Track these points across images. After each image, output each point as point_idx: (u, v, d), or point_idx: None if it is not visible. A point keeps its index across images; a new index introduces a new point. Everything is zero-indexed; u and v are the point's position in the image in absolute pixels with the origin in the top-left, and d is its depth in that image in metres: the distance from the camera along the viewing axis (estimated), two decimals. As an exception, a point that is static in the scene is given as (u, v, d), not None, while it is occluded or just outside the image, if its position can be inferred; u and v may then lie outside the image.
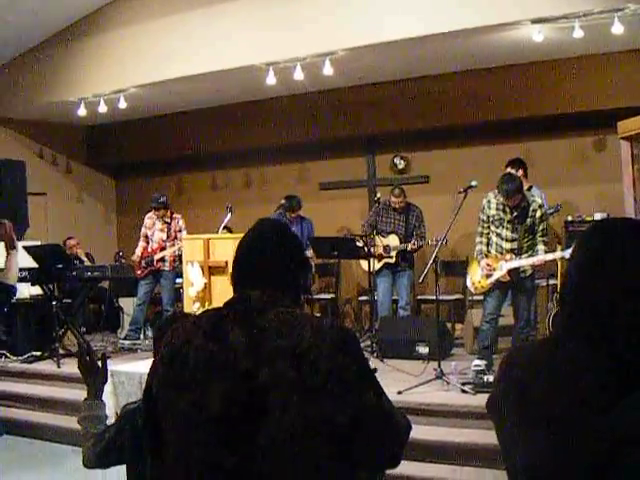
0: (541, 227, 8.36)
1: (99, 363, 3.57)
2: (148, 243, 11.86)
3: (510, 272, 8.34)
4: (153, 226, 11.84)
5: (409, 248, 10.67)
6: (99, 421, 3.46)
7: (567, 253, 8.02)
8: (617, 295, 1.93)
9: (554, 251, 8.47)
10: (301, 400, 2.20)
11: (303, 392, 2.20)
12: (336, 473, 2.27)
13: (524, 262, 8.31)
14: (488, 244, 8.64)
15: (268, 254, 2.58)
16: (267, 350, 2.27)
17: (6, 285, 6.17)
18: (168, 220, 11.74)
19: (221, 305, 2.52)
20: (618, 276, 1.95)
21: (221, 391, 2.25)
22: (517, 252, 8.35)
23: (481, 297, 9.10)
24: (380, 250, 10.65)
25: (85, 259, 13.37)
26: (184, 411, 2.30)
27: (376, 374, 2.49)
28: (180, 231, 11.60)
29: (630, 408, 1.75)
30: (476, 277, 8.63)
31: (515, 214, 8.37)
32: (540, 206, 8.40)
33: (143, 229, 12.02)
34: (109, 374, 3.67)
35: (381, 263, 10.58)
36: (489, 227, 8.62)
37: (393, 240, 10.77)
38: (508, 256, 8.37)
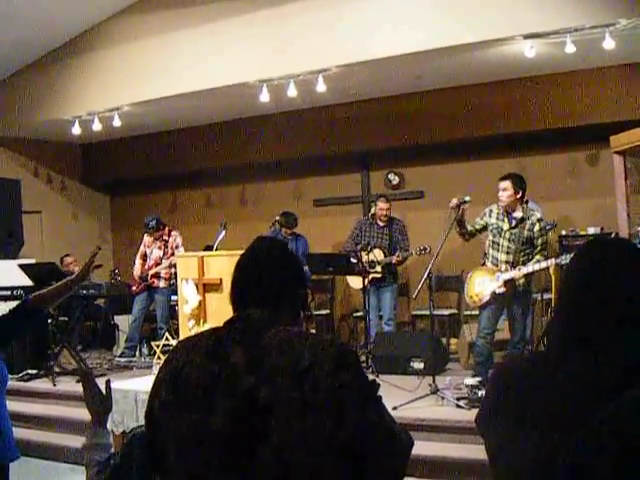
0: (540, 241, 8.35)
1: (103, 389, 3.56)
2: (145, 261, 11.91)
3: (506, 283, 8.34)
4: (152, 244, 11.92)
5: (394, 261, 10.70)
6: (103, 450, 3.44)
7: (561, 259, 8.03)
8: (607, 314, 1.96)
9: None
10: (303, 418, 2.19)
11: (305, 410, 2.19)
12: None
13: (520, 272, 8.29)
14: (485, 255, 8.66)
15: (267, 272, 2.58)
16: (268, 369, 2.26)
17: None
18: (166, 237, 11.80)
19: (221, 324, 2.52)
20: (608, 295, 1.98)
21: (223, 411, 2.23)
22: (512, 265, 8.34)
23: (476, 312, 9.10)
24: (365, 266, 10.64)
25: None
26: (186, 432, 2.28)
27: (379, 389, 2.49)
28: (177, 247, 11.65)
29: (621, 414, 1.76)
30: (473, 290, 8.61)
31: (514, 224, 8.39)
32: (539, 220, 8.40)
33: (142, 247, 12.09)
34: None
35: (367, 279, 10.55)
36: (482, 229, 8.64)
37: (378, 254, 10.78)
38: (503, 267, 8.37)
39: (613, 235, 9.17)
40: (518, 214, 8.42)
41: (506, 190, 8.38)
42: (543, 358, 2.11)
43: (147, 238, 12.04)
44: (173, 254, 11.53)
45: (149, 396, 2.50)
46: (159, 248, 11.83)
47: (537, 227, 8.35)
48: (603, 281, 2.01)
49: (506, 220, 8.46)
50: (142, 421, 2.84)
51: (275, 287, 2.56)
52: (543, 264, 8.21)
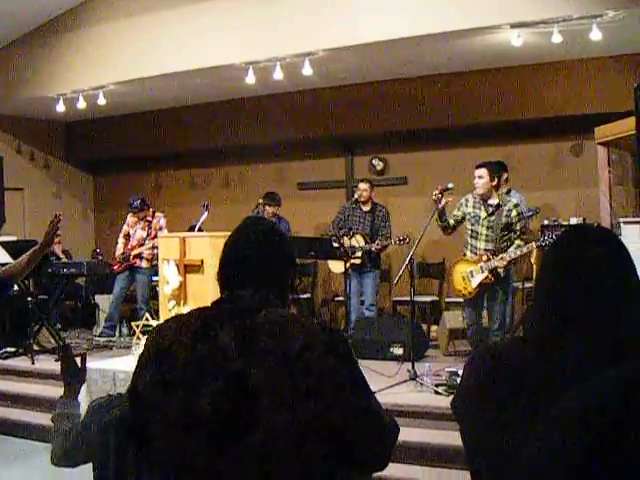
0: (518, 226, 8.35)
1: (79, 363, 3.57)
2: (128, 241, 11.88)
3: (491, 272, 8.35)
4: (135, 224, 11.89)
5: (373, 249, 10.71)
6: (71, 419, 3.45)
7: (541, 242, 8.07)
8: (587, 298, 1.97)
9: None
10: (292, 401, 2.18)
11: (294, 393, 2.19)
12: (327, 474, 2.26)
13: (503, 261, 8.27)
14: (465, 246, 8.67)
15: (256, 253, 2.55)
16: (258, 351, 2.24)
17: None
18: (150, 219, 11.78)
19: (201, 305, 2.50)
20: (587, 280, 2.00)
21: (211, 392, 2.21)
22: (494, 253, 8.34)
23: (458, 299, 9.12)
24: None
25: (62, 256, 13.31)
26: (173, 411, 2.25)
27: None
28: (161, 229, 11.63)
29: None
30: (460, 282, 8.59)
31: (491, 211, 8.40)
32: (515, 205, 8.41)
33: (125, 227, 12.07)
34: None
35: (348, 264, 10.56)
36: (461, 220, 8.65)
37: (358, 240, 10.79)
38: (484, 257, 8.38)
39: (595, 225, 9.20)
40: (494, 201, 8.44)
41: (482, 177, 8.40)
42: (521, 342, 2.11)
43: (130, 218, 12.01)
44: (156, 235, 11.50)
45: (133, 374, 2.47)
46: (142, 229, 11.81)
47: (514, 212, 8.35)
48: (581, 266, 2.03)
49: (483, 208, 8.48)
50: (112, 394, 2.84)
51: (264, 268, 2.53)
52: (524, 249, 8.23)
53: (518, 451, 1.85)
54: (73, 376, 3.56)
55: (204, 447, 2.20)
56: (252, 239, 2.60)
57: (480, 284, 8.40)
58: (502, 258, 8.26)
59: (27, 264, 4.72)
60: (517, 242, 8.31)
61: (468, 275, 8.47)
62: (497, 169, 8.53)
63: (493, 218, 8.40)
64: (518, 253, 8.26)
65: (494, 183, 8.42)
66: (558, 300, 2.03)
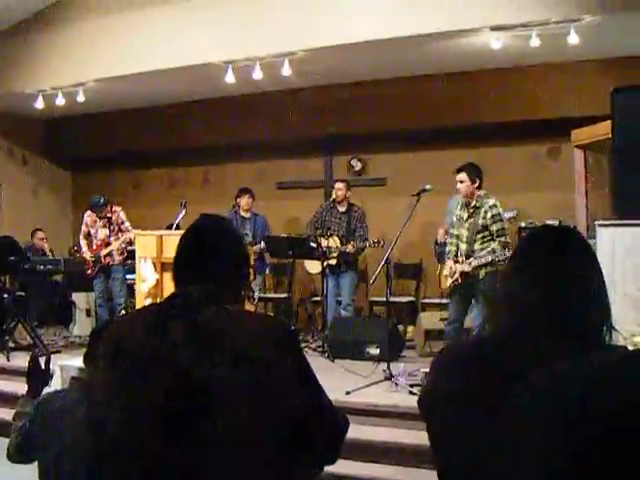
0: (495, 227, 8.34)
1: (43, 366, 3.60)
2: (91, 241, 11.76)
3: (462, 275, 8.41)
4: (95, 223, 11.71)
5: (348, 250, 10.73)
6: (26, 418, 3.49)
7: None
8: (548, 296, 2.01)
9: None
10: (241, 396, 2.21)
11: (243, 388, 2.21)
12: (276, 468, 2.28)
13: (469, 266, 8.35)
14: (440, 245, 8.75)
15: (208, 250, 2.58)
16: (207, 346, 2.27)
17: None
18: (109, 215, 11.63)
19: (162, 301, 2.53)
20: (547, 278, 2.03)
21: (162, 386, 2.24)
22: (471, 255, 8.41)
23: (434, 300, 9.17)
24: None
25: (49, 253, 13.31)
26: (126, 406, 2.28)
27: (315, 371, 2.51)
28: (122, 223, 11.51)
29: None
30: (444, 280, 8.76)
31: (471, 212, 8.45)
32: (491, 206, 8.41)
33: (84, 227, 11.88)
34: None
35: (325, 264, 10.57)
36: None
37: (335, 242, 10.81)
38: (461, 259, 8.45)
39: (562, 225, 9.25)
40: (473, 202, 8.50)
41: (463, 182, 8.45)
42: (485, 340, 2.15)
43: (88, 217, 11.76)
44: (120, 230, 11.44)
45: (85, 369, 2.50)
46: (104, 226, 11.60)
47: (490, 214, 8.37)
48: (542, 265, 2.06)
49: (465, 209, 8.54)
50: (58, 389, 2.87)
51: (215, 264, 2.56)
52: (497, 255, 8.23)
53: (483, 448, 1.88)
54: (37, 377, 3.59)
55: (157, 440, 2.23)
56: (203, 236, 2.64)
57: (453, 284, 8.51)
58: (470, 263, 8.33)
59: None
60: (493, 245, 8.30)
61: (446, 274, 8.61)
62: (476, 170, 8.57)
63: (472, 220, 8.45)
64: (489, 258, 8.25)
65: (475, 185, 8.47)
66: (519, 298, 2.06)
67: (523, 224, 10.88)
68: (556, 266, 2.05)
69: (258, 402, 2.22)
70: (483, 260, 8.27)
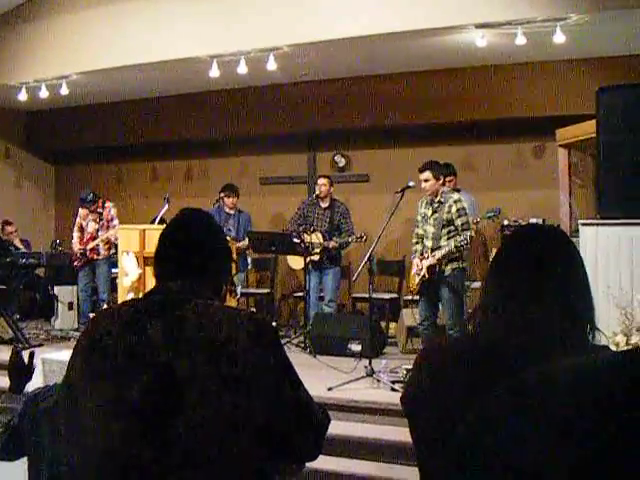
0: (460, 222, 8.41)
1: (26, 360, 3.57)
2: (83, 234, 11.81)
3: (429, 270, 8.46)
4: (87, 217, 11.80)
5: (330, 246, 10.73)
6: (10, 413, 3.45)
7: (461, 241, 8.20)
8: (532, 294, 2.01)
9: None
10: (219, 392, 2.19)
11: (221, 384, 2.20)
12: (255, 465, 2.28)
13: (433, 258, 8.42)
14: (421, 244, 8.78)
15: (188, 244, 2.57)
16: (185, 342, 2.26)
17: None
18: (100, 210, 11.70)
19: (141, 296, 2.51)
20: (531, 276, 2.04)
21: (140, 383, 2.22)
22: (432, 250, 8.50)
23: (417, 297, 9.19)
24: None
25: (20, 246, 13.23)
26: (103, 402, 2.26)
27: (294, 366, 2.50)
28: (112, 219, 11.59)
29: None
30: (411, 281, 8.79)
31: (435, 208, 8.53)
32: (456, 201, 8.49)
33: (78, 220, 12.00)
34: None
35: (307, 260, 10.57)
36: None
37: (317, 237, 10.80)
38: (426, 254, 8.51)
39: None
40: (437, 198, 8.58)
41: (428, 180, 8.53)
42: (469, 338, 2.14)
43: (82, 211, 11.91)
44: (109, 226, 11.47)
45: (67, 365, 2.48)
46: (94, 221, 11.74)
47: (454, 208, 8.44)
48: (531, 264, 2.07)
49: (430, 206, 8.64)
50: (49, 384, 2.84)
51: (196, 259, 2.54)
52: (456, 242, 8.29)
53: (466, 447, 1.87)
54: (19, 372, 3.56)
55: (133, 437, 2.21)
56: (183, 230, 2.63)
57: (422, 281, 8.54)
58: (434, 256, 8.38)
59: None
60: (457, 238, 8.37)
61: (414, 273, 8.66)
62: (439, 168, 8.64)
63: (436, 215, 8.54)
64: (452, 245, 8.32)
65: (440, 182, 8.55)
66: (502, 297, 2.06)
67: (506, 222, 10.89)
68: (539, 266, 2.05)
69: (233, 399, 2.20)
70: (446, 249, 8.33)
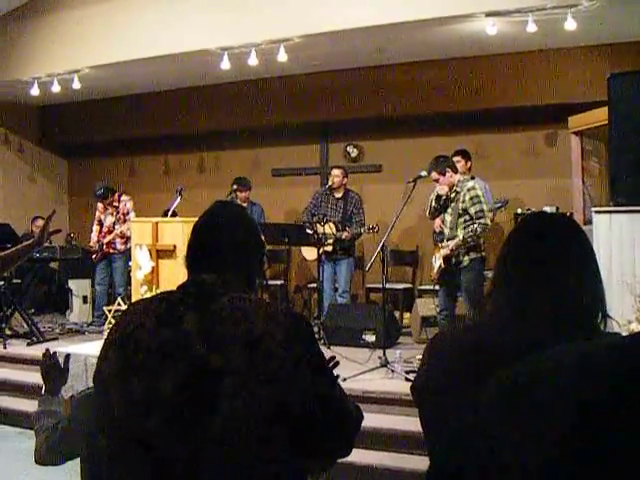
0: (472, 210, 8.38)
1: (61, 363, 3.57)
2: (102, 228, 11.89)
3: (445, 260, 8.46)
4: (105, 211, 11.91)
5: (344, 237, 10.73)
6: (54, 416, 3.43)
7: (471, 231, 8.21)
8: (542, 282, 2.00)
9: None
10: (253, 387, 2.17)
11: (255, 379, 2.18)
12: (288, 461, 2.26)
13: (447, 248, 8.45)
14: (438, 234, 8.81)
15: (223, 237, 2.54)
16: (220, 336, 2.23)
17: None
18: (116, 204, 11.77)
19: (174, 288, 2.48)
20: (541, 264, 2.03)
21: (174, 377, 2.20)
22: (448, 240, 8.54)
23: (430, 287, 9.20)
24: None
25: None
26: (136, 396, 2.24)
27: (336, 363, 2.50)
28: (128, 213, 11.64)
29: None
30: (432, 269, 8.82)
31: (453, 196, 8.55)
32: (470, 189, 8.47)
33: (97, 213, 12.15)
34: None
35: (321, 251, 10.56)
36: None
37: (331, 228, 10.80)
38: (444, 244, 8.54)
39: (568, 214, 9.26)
40: (453, 188, 8.60)
41: (437, 179, 8.64)
42: (479, 326, 2.14)
43: (100, 205, 12.03)
44: (125, 220, 11.51)
45: (98, 359, 2.46)
46: (111, 215, 11.87)
47: (468, 196, 8.43)
48: (540, 252, 2.06)
49: (439, 200, 8.73)
50: (91, 384, 2.83)
51: (230, 252, 2.52)
52: (466, 232, 8.32)
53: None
54: (55, 374, 3.55)
55: (167, 431, 2.19)
56: (219, 223, 2.60)
57: (441, 271, 8.54)
58: (448, 245, 8.39)
59: (13, 259, 4.54)
60: (471, 227, 8.38)
61: (433, 262, 8.69)
62: (443, 161, 8.65)
63: (453, 204, 8.54)
64: (461, 238, 8.35)
65: (449, 174, 8.53)
66: (512, 284, 2.06)
67: (519, 210, 10.86)
68: (547, 254, 2.05)
69: (268, 394, 2.18)
70: (458, 242, 8.35)
